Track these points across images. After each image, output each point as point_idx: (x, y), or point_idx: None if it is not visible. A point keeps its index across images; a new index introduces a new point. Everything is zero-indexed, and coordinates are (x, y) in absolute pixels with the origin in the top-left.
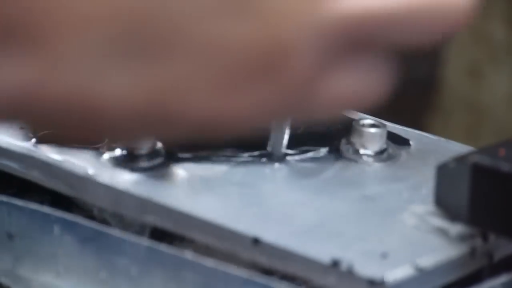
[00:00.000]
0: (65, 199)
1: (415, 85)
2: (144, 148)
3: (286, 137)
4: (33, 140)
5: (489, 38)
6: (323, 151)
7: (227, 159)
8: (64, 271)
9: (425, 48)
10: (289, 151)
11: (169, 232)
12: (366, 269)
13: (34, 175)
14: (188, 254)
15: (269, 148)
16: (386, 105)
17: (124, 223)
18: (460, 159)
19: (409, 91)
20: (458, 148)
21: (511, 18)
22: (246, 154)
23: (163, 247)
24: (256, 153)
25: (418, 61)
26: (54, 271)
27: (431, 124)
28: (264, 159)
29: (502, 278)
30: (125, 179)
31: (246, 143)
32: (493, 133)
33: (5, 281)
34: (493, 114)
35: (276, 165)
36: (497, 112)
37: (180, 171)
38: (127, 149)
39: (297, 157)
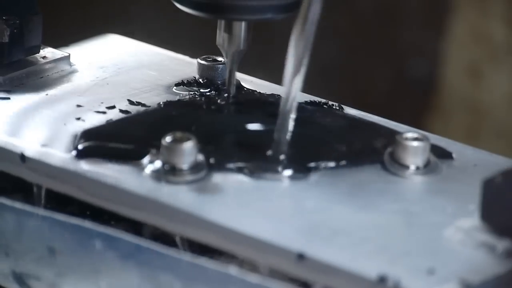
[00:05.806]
0: (107, 213)
1: (415, 85)
2: (186, 162)
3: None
4: (73, 153)
5: (489, 38)
6: (367, 164)
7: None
8: (106, 286)
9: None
10: (332, 164)
11: (212, 247)
12: (413, 285)
13: (74, 190)
14: (233, 270)
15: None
16: (386, 105)
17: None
18: (506, 174)
19: (409, 91)
20: (501, 161)
21: (511, 18)
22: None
23: (206, 262)
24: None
25: (418, 61)
26: (96, 286)
27: (431, 124)
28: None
29: None
30: (167, 193)
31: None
32: (493, 133)
33: None
34: (493, 114)
35: (318, 178)
36: (497, 112)
37: (222, 184)
38: (168, 163)
39: (340, 171)
